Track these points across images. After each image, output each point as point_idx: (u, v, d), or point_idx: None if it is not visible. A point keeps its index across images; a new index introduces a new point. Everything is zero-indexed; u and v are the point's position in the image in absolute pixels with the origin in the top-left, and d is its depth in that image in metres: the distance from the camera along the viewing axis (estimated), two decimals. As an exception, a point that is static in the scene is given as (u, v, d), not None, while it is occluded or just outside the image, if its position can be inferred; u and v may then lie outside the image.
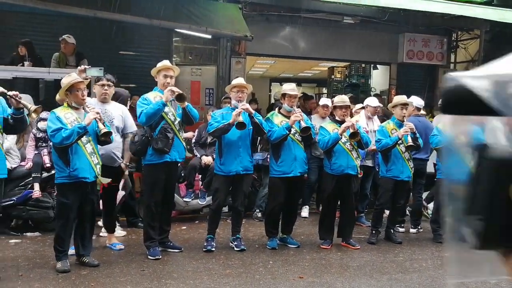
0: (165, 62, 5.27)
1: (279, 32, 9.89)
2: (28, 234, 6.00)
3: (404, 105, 6.15)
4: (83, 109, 4.62)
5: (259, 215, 7.20)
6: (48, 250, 5.14)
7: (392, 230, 6.36)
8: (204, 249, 5.48)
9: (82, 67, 4.95)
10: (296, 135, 5.65)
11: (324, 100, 7.78)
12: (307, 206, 7.65)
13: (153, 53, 9.05)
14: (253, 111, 5.47)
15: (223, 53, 9.48)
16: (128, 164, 5.56)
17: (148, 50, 9.18)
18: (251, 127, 5.49)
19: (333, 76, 13.60)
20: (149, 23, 7.78)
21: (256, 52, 10.19)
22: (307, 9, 9.34)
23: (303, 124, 5.50)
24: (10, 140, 5.93)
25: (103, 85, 5.14)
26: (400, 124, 6.08)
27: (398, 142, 5.96)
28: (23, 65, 7.19)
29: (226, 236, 5.96)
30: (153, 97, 5.10)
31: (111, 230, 5.57)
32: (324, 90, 16.31)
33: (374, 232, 6.23)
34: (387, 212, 6.52)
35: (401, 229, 6.78)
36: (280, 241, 5.88)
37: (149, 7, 7.73)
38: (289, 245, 5.85)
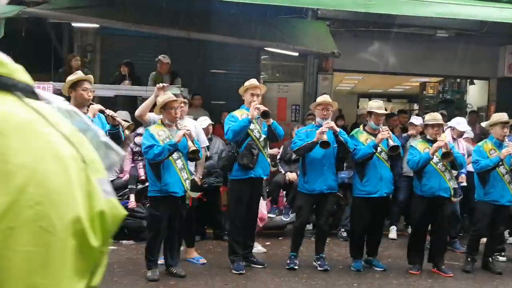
0: (252, 81, 5.41)
1: (367, 47, 9.72)
2: (124, 241, 6.40)
3: (506, 123, 5.73)
4: (175, 126, 4.86)
5: (344, 234, 7.05)
6: (141, 258, 5.43)
7: (490, 259, 5.88)
8: (287, 267, 5.48)
9: (161, 85, 5.19)
10: (382, 153, 5.50)
11: (414, 119, 7.47)
12: (394, 227, 7.35)
13: (242, 71, 9.31)
14: (338, 129, 5.41)
15: (310, 70, 9.51)
16: (201, 177, 5.75)
17: (238, 68, 9.47)
18: (336, 145, 5.43)
19: (425, 92, 13.06)
20: (239, 43, 8.04)
21: (343, 68, 10.10)
22: (398, 24, 9.09)
23: (391, 143, 5.34)
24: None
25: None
26: (499, 144, 5.67)
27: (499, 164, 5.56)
28: (123, 84, 7.78)
29: (309, 255, 5.91)
30: (240, 114, 5.26)
31: (190, 244, 5.73)
32: (416, 106, 15.69)
33: (469, 259, 5.79)
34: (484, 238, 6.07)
35: (501, 258, 6.23)
36: (365, 263, 5.71)
37: (239, 27, 7.99)
38: (375, 268, 5.66)
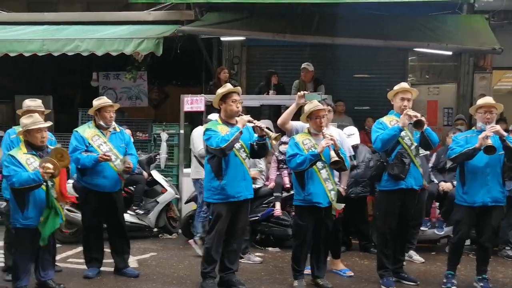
0: (403, 85, 5.08)
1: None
2: (270, 249, 6.49)
3: None
4: (321, 135, 4.76)
5: (511, 253, 6.25)
6: (287, 267, 5.43)
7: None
8: (443, 286, 5.00)
9: (302, 92, 5.11)
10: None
11: None
12: None
13: (387, 74, 8.93)
14: (505, 134, 4.79)
15: (464, 69, 8.71)
16: (345, 188, 5.54)
17: (382, 72, 9.09)
18: (502, 152, 4.81)
19: None
20: (385, 45, 7.70)
21: (504, 66, 9.02)
22: None
23: None
24: (262, 163, 6.51)
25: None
26: None
27: None
28: (268, 94, 7.95)
29: (469, 274, 5.33)
30: (388, 121, 4.96)
31: (336, 255, 5.55)
32: None
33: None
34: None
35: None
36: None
37: (384, 29, 7.66)
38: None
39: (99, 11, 9.02)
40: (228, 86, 4.81)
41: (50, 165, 4.22)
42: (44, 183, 4.31)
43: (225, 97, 4.70)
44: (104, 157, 4.98)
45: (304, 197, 4.75)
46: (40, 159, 4.35)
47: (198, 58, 9.05)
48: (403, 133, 4.83)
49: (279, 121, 5.16)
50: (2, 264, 5.23)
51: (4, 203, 4.97)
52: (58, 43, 7.70)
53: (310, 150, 4.68)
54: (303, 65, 8.06)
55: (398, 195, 4.92)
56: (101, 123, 5.19)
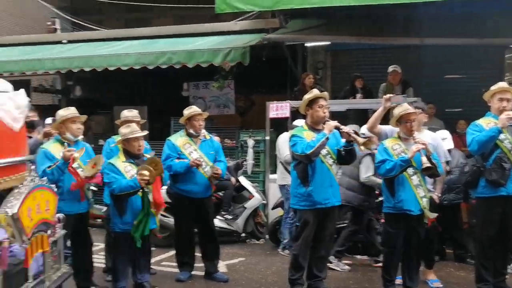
0: (501, 84, 4.73)
1: None
2: (358, 256, 6.35)
3: None
4: (412, 139, 4.59)
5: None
6: (376, 276, 5.30)
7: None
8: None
9: (388, 96, 4.93)
10: None
11: None
12: None
13: (480, 74, 8.43)
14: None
15: None
16: (439, 195, 5.26)
17: (475, 71, 8.60)
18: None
19: None
20: (479, 43, 7.25)
21: None
22: None
23: None
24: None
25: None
26: None
27: None
28: (354, 98, 7.82)
29: None
30: (485, 123, 4.64)
31: (429, 265, 5.30)
32: None
33: None
34: None
35: None
36: None
37: (479, 26, 7.22)
38: None
39: (189, 23, 9.45)
40: (314, 92, 4.79)
41: (146, 172, 4.48)
42: (141, 190, 4.58)
43: (311, 102, 4.68)
44: (195, 162, 5.19)
45: (394, 204, 4.59)
46: (137, 167, 4.63)
47: (283, 64, 9.15)
48: (502, 136, 4.51)
49: (367, 125, 5.05)
50: (103, 265, 5.58)
51: (105, 208, 5.34)
52: (152, 56, 8.18)
53: (400, 156, 4.52)
54: (391, 68, 7.83)
55: (497, 202, 4.59)
56: (191, 131, 5.41)
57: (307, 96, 4.73)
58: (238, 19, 9.00)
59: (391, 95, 5.13)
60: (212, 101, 10.37)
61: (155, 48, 8.50)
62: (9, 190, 2.93)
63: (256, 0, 7.40)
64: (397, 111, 4.65)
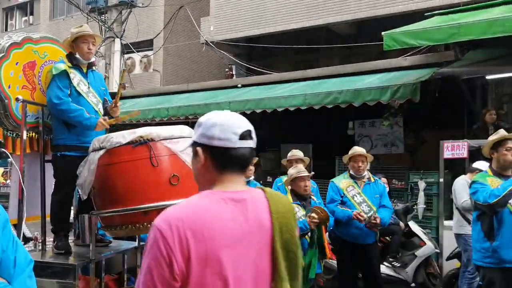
0: None
1: None
2: None
3: None
4: None
5: None
6: None
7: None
8: None
9: None
10: None
11: None
12: None
13: None
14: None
15: None
16: None
17: None
18: None
19: None
20: None
21: None
22: None
23: None
24: None
25: None
26: None
27: None
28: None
29: None
30: None
31: None
32: None
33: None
34: None
35: None
36: None
37: None
38: None
39: (356, 62, 9.36)
40: (501, 133, 4.20)
41: (315, 215, 4.52)
42: (309, 233, 4.55)
43: (497, 144, 4.11)
44: (358, 216, 4.99)
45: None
46: (304, 209, 4.62)
47: (458, 99, 8.40)
48: None
49: None
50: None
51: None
52: (318, 97, 8.26)
53: None
54: None
55: None
56: (352, 172, 5.24)
57: (492, 138, 4.18)
58: (407, 55, 8.60)
59: None
60: (378, 140, 9.99)
61: (321, 89, 8.59)
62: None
63: (428, 33, 6.93)
64: None
